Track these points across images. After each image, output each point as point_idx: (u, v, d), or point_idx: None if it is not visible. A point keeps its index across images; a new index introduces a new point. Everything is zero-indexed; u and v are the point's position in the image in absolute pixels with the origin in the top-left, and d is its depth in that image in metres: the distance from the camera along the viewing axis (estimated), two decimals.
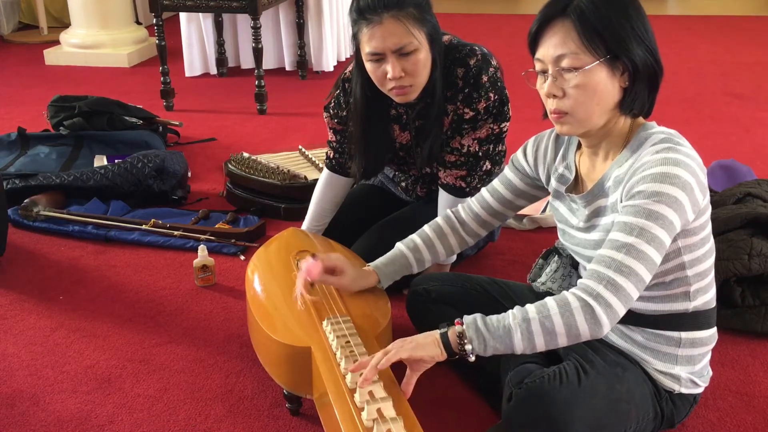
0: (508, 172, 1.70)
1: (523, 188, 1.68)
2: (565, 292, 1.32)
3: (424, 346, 1.34)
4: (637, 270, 1.28)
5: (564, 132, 1.42)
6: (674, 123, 3.57)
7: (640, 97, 1.38)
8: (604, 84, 1.35)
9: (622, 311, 1.29)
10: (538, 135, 1.64)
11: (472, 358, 1.34)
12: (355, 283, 1.68)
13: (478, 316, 1.35)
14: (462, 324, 1.35)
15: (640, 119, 1.43)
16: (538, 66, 1.41)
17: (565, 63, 1.34)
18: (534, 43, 1.41)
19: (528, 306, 1.33)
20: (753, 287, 1.97)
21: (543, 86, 1.40)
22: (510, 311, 1.34)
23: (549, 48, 1.36)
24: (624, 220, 1.31)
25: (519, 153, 1.67)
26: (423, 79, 1.86)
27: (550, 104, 1.40)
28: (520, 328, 1.30)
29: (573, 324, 1.28)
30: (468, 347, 1.32)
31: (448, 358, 1.35)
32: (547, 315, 1.30)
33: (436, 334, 1.36)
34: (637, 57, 1.33)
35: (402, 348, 1.34)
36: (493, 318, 1.34)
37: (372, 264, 1.73)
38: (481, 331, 1.32)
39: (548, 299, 1.32)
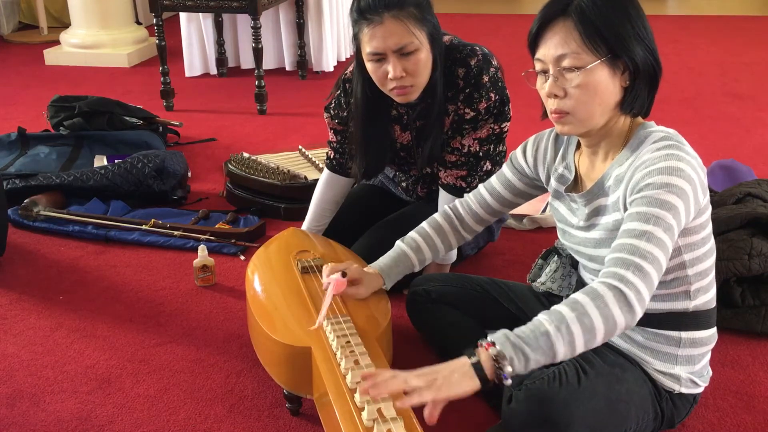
0: (506, 171, 1.70)
1: (522, 188, 1.68)
2: (591, 285, 1.27)
3: (456, 385, 1.22)
4: (658, 257, 1.27)
5: (565, 132, 1.42)
6: (674, 123, 3.56)
7: (641, 96, 1.38)
8: (606, 83, 1.35)
9: (648, 297, 1.26)
10: (537, 135, 1.64)
11: (509, 382, 1.23)
12: (367, 291, 1.66)
13: (506, 332, 1.25)
14: (493, 345, 1.23)
15: (639, 119, 1.44)
16: (538, 66, 1.41)
17: (566, 63, 1.34)
18: (534, 44, 1.41)
19: (558, 308, 1.25)
20: (753, 287, 1.97)
21: (543, 86, 1.40)
22: (539, 318, 1.25)
23: (550, 48, 1.36)
24: (638, 210, 1.30)
25: (518, 152, 1.67)
26: (424, 79, 1.86)
27: (551, 104, 1.39)
28: (560, 332, 1.22)
29: (609, 315, 1.22)
30: (508, 369, 1.21)
31: (482, 389, 1.23)
32: (584, 312, 1.22)
33: (466, 366, 1.23)
34: (638, 56, 1.34)
35: (429, 389, 1.21)
36: (524, 329, 1.24)
37: (376, 266, 1.72)
38: (519, 347, 1.22)
39: (576, 295, 1.26)
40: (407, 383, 1.22)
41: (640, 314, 1.25)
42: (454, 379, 1.22)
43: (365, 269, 1.70)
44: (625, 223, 1.32)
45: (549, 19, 1.37)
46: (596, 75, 1.34)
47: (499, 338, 1.25)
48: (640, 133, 1.40)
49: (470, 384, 1.23)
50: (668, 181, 1.29)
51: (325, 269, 1.67)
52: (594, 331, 1.23)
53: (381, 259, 1.73)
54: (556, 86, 1.37)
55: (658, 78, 1.39)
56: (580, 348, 1.24)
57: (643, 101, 1.39)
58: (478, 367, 1.23)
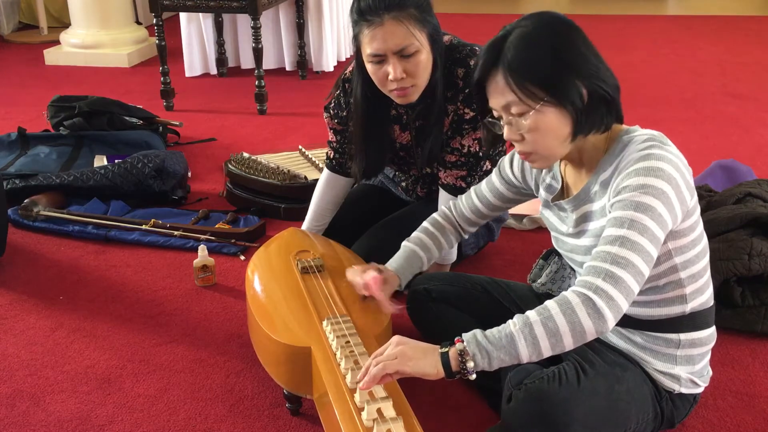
0: (495, 179, 1.71)
1: (510, 196, 1.70)
2: (564, 292, 1.31)
3: (420, 366, 1.29)
4: (634, 261, 1.27)
5: (538, 167, 1.44)
6: (674, 123, 3.58)
7: (591, 119, 1.36)
8: (557, 121, 1.34)
9: (624, 304, 1.27)
10: None
11: (473, 377, 1.29)
12: (388, 293, 1.67)
13: (477, 330, 1.31)
14: (462, 341, 1.30)
15: (618, 126, 1.42)
16: (494, 113, 1.41)
17: (513, 110, 1.35)
18: (481, 93, 1.41)
19: (528, 312, 1.30)
20: (753, 287, 1.97)
21: (502, 131, 1.41)
22: (510, 320, 1.31)
23: (494, 98, 1.38)
24: (614, 215, 1.31)
25: (506, 163, 1.67)
26: (424, 80, 1.86)
27: (516, 147, 1.41)
28: (522, 333, 1.27)
29: (576, 321, 1.25)
30: (470, 364, 1.27)
31: (446, 378, 1.30)
32: (549, 316, 1.27)
33: (436, 354, 1.30)
34: (575, 92, 1.32)
35: (395, 362, 1.29)
36: (494, 330, 1.30)
37: (392, 267, 1.71)
38: (483, 345, 1.28)
39: (548, 302, 1.30)
40: (379, 361, 1.30)
41: (612, 320, 1.26)
42: (422, 360, 1.30)
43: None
44: (605, 228, 1.32)
45: (486, 72, 1.37)
46: (544, 117, 1.33)
47: (468, 336, 1.30)
48: (623, 138, 1.39)
49: (432, 370, 1.29)
50: (645, 182, 1.29)
51: (353, 273, 1.67)
52: (559, 336, 1.26)
53: (393, 260, 1.73)
54: (512, 132, 1.38)
55: (613, 95, 1.36)
56: (546, 350, 1.27)
57: (599, 121, 1.37)
58: (444, 358, 1.29)
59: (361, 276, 1.65)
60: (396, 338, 1.34)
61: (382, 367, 1.29)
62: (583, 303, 1.26)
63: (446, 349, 1.30)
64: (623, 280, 1.26)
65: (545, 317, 1.27)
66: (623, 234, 1.28)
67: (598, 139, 1.41)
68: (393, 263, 1.73)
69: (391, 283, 1.69)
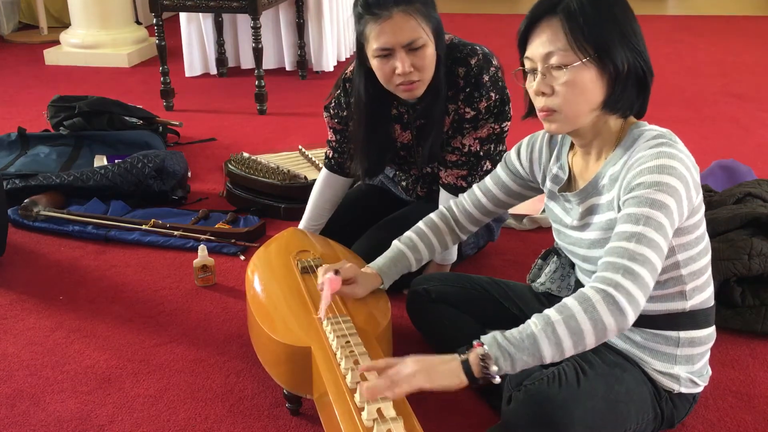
0: (501, 172, 1.70)
1: (516, 189, 1.69)
2: (582, 289, 1.28)
3: (442, 377, 1.25)
4: (650, 258, 1.27)
5: (552, 130, 1.42)
6: (674, 123, 3.58)
7: (625, 97, 1.37)
8: (593, 83, 1.35)
9: (642, 300, 1.26)
10: (531, 136, 1.64)
11: (498, 380, 1.26)
12: (365, 290, 1.66)
13: (496, 333, 1.27)
14: (482, 345, 1.26)
15: (632, 119, 1.43)
16: (527, 65, 1.41)
17: (554, 60, 1.35)
18: (523, 42, 1.42)
19: (547, 311, 1.27)
20: (753, 287, 1.97)
21: (532, 84, 1.40)
22: (529, 320, 1.28)
23: (538, 46, 1.37)
24: (628, 212, 1.30)
25: (512, 154, 1.67)
26: (430, 75, 1.85)
27: (539, 102, 1.40)
28: (545, 333, 1.24)
29: (598, 318, 1.23)
30: (494, 368, 1.24)
31: (470, 386, 1.27)
32: (571, 314, 1.24)
33: (456, 362, 1.26)
34: (622, 60, 1.33)
35: (415, 379, 1.24)
36: (513, 331, 1.27)
37: (374, 266, 1.71)
38: (505, 347, 1.25)
39: (566, 299, 1.27)
40: (397, 377, 1.24)
41: (632, 316, 1.25)
42: (442, 371, 1.26)
43: (363, 269, 1.70)
44: (618, 224, 1.32)
45: (538, 17, 1.38)
46: (583, 74, 1.34)
47: (488, 339, 1.27)
48: (633, 132, 1.40)
49: (456, 380, 1.26)
50: (659, 179, 1.29)
51: (320, 271, 1.67)
52: (581, 334, 1.24)
53: (379, 258, 1.73)
54: (544, 84, 1.37)
55: (648, 80, 1.38)
56: (569, 350, 1.25)
57: (629, 102, 1.38)
58: (466, 365, 1.26)
59: (322, 275, 1.61)
60: (412, 359, 1.28)
61: (407, 382, 1.23)
62: (604, 300, 1.24)
63: (465, 356, 1.27)
64: (641, 276, 1.26)
65: (567, 316, 1.24)
66: (639, 230, 1.28)
67: (615, 126, 1.42)
68: (378, 262, 1.72)
69: (367, 282, 1.66)
